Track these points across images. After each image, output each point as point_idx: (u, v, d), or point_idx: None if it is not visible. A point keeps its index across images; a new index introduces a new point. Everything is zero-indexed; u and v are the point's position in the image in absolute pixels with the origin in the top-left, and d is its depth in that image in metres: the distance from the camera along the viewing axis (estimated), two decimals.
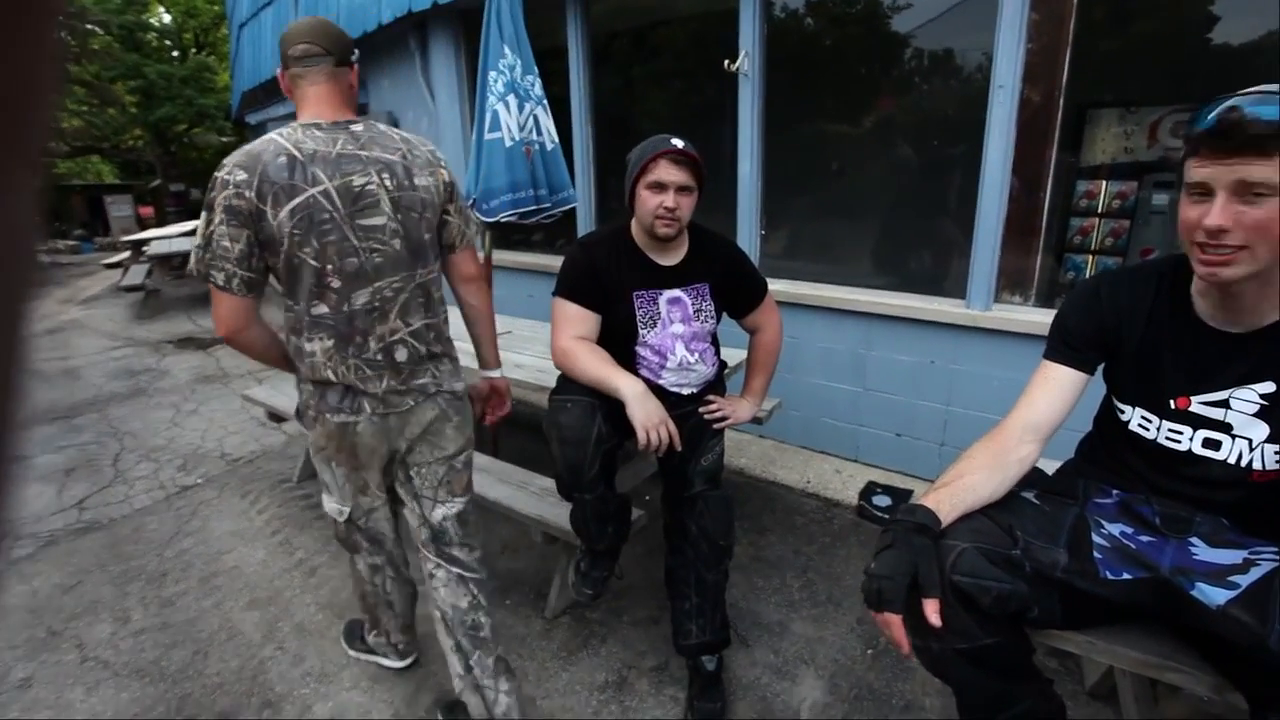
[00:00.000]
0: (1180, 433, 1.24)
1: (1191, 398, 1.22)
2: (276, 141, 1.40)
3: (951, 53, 2.82)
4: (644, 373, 1.87)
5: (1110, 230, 2.57)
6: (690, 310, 1.89)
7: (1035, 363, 1.38)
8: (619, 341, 1.86)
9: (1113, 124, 2.53)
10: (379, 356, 1.52)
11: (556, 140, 2.89)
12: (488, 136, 2.69)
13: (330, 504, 1.72)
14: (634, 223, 1.87)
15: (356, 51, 1.56)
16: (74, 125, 16.65)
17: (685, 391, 1.92)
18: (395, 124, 5.03)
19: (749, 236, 3.33)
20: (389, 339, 1.52)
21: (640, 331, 1.86)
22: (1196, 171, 1.05)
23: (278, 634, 2.21)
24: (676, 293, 1.89)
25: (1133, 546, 1.25)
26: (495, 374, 1.89)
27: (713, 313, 1.94)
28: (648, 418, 1.62)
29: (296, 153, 1.40)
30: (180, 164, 18.18)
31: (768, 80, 3.17)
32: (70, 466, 3.53)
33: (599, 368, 1.72)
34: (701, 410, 1.93)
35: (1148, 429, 1.28)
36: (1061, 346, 1.34)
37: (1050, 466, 1.48)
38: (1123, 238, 2.55)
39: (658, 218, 1.76)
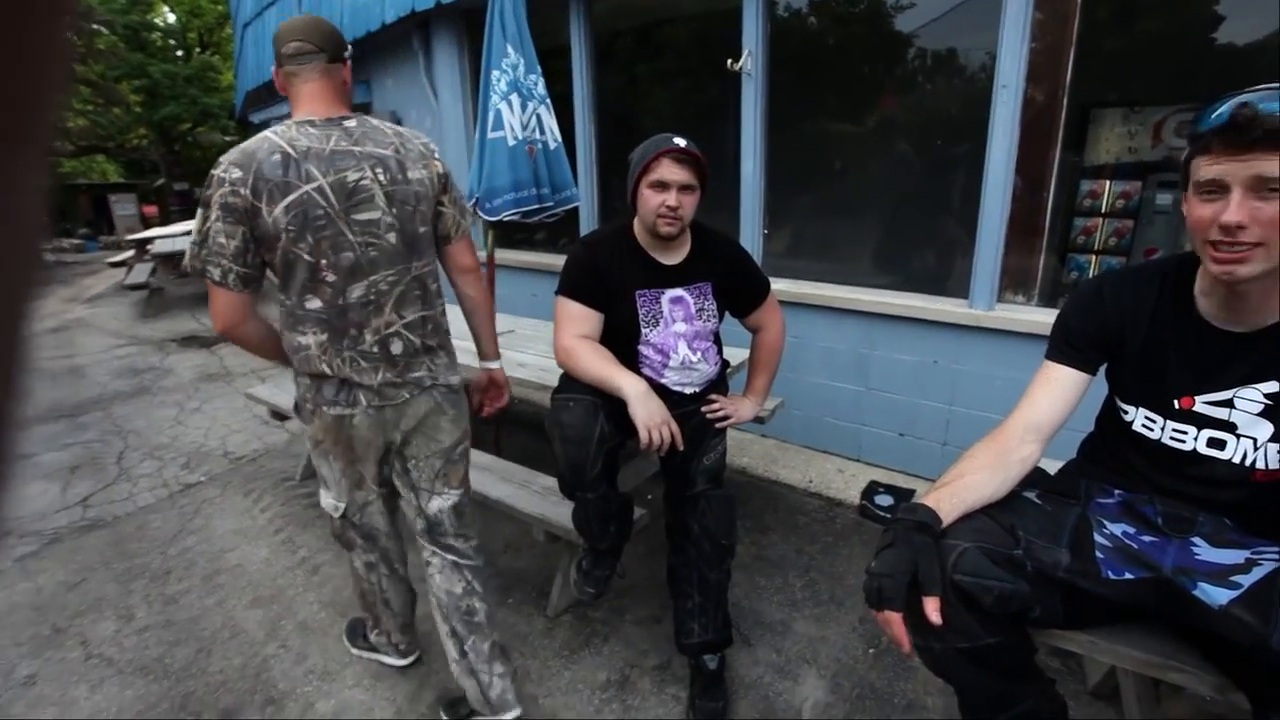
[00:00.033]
0: (1185, 432, 1.24)
1: (1195, 398, 1.22)
2: (271, 139, 1.42)
3: (955, 52, 2.82)
4: (646, 372, 1.87)
5: (1114, 230, 2.57)
6: (693, 309, 1.89)
7: (1038, 363, 1.38)
8: (622, 340, 1.86)
9: (1117, 124, 2.52)
10: (374, 349, 1.53)
11: (559, 139, 2.89)
12: (491, 135, 2.70)
13: (327, 500, 1.73)
14: (636, 222, 1.87)
15: (350, 48, 1.57)
16: (79, 124, 16.71)
17: (688, 390, 1.92)
18: (399, 123, 5.04)
19: (752, 235, 3.33)
20: (384, 331, 1.54)
21: (643, 330, 1.86)
22: (1209, 169, 1.05)
23: (280, 632, 2.22)
24: (679, 292, 1.89)
25: (1135, 546, 1.25)
26: (494, 365, 1.90)
27: (715, 312, 1.94)
28: (650, 417, 1.62)
29: (290, 150, 1.41)
30: (184, 163, 18.24)
31: (771, 79, 3.17)
32: (75, 464, 3.54)
33: (601, 367, 1.73)
34: (704, 409, 1.93)
35: (1151, 429, 1.28)
36: (1064, 346, 1.34)
37: (1052, 467, 1.48)
38: (1126, 237, 2.55)
39: (660, 216, 1.76)
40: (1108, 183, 2.56)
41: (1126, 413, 1.32)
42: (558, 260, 3.60)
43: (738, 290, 1.99)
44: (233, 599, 2.39)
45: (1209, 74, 2.35)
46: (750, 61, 3.12)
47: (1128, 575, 1.22)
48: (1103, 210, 2.58)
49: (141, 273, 7.78)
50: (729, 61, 3.14)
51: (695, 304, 1.90)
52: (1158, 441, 1.27)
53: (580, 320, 1.83)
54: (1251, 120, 0.99)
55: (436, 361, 1.65)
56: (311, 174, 1.42)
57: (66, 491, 3.24)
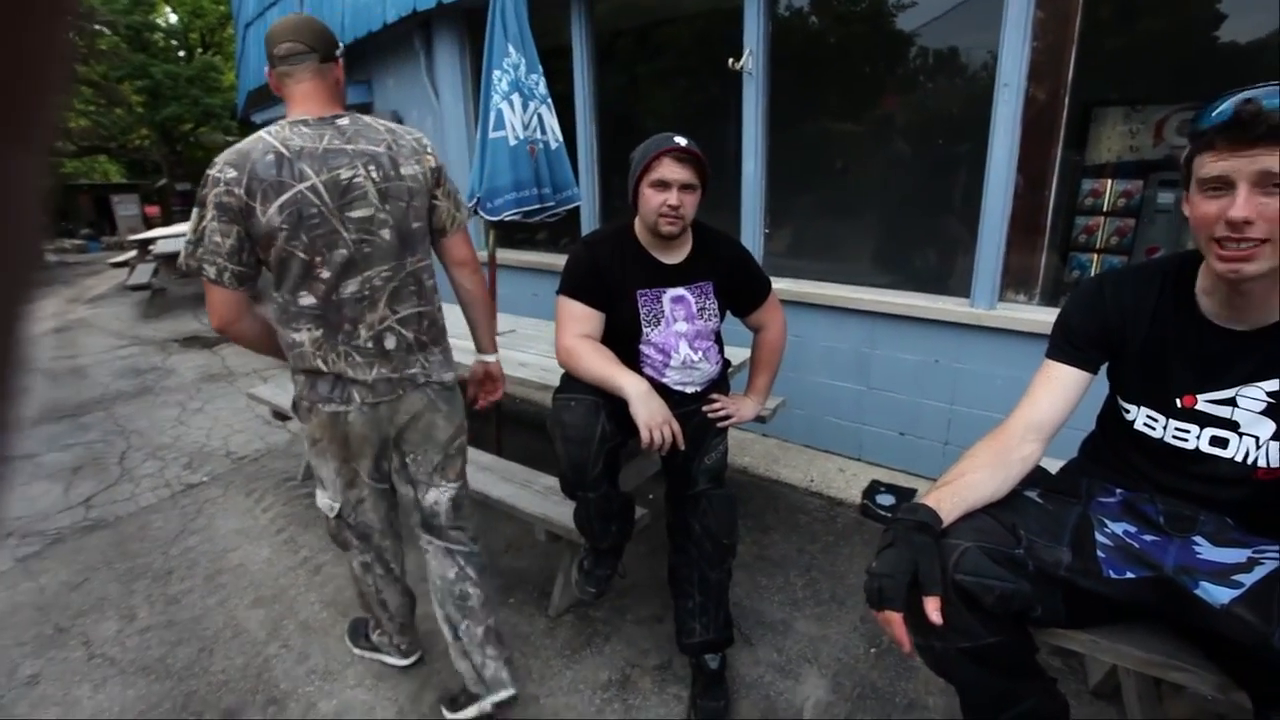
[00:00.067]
0: (1187, 431, 1.23)
1: (1198, 396, 1.21)
2: (265, 139, 1.44)
3: (956, 51, 2.81)
4: (648, 371, 1.87)
5: (1115, 229, 2.56)
6: (694, 308, 1.90)
7: (1039, 362, 1.37)
8: (623, 340, 1.86)
9: (1118, 122, 2.52)
10: (369, 344, 1.55)
11: (560, 139, 2.89)
12: (492, 135, 2.70)
13: (323, 500, 1.75)
14: (638, 221, 1.87)
15: (341, 46, 1.58)
16: (81, 125, 16.74)
17: (689, 390, 1.92)
18: (400, 123, 5.04)
19: (753, 235, 3.32)
20: (378, 327, 1.55)
21: (644, 330, 1.86)
22: (1213, 165, 1.05)
23: (282, 632, 2.22)
24: (680, 291, 1.89)
25: (1136, 545, 1.24)
26: (490, 358, 1.91)
27: (716, 311, 1.94)
28: (651, 416, 1.62)
29: (284, 150, 1.43)
30: (186, 163, 18.27)
31: (772, 79, 3.16)
32: (77, 465, 3.55)
33: (603, 366, 1.73)
34: (705, 409, 1.93)
35: (1154, 428, 1.27)
36: (1065, 345, 1.33)
37: (1054, 466, 1.48)
38: (1128, 236, 2.54)
39: (661, 216, 1.76)
40: (1109, 181, 2.55)
41: (1128, 411, 1.32)
42: (559, 260, 3.60)
43: (739, 289, 1.99)
44: (235, 599, 2.40)
45: (1211, 73, 2.34)
46: (751, 61, 3.12)
47: (1129, 574, 1.22)
48: (1104, 209, 2.57)
49: (144, 273, 7.80)
50: (730, 61, 3.14)
51: (697, 303, 1.90)
52: (1160, 440, 1.27)
53: (582, 320, 1.83)
54: (1256, 116, 0.99)
55: (430, 359, 1.66)
56: (305, 173, 1.43)
57: (69, 492, 3.25)
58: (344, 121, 1.52)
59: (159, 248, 7.88)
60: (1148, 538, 1.25)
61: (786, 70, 3.16)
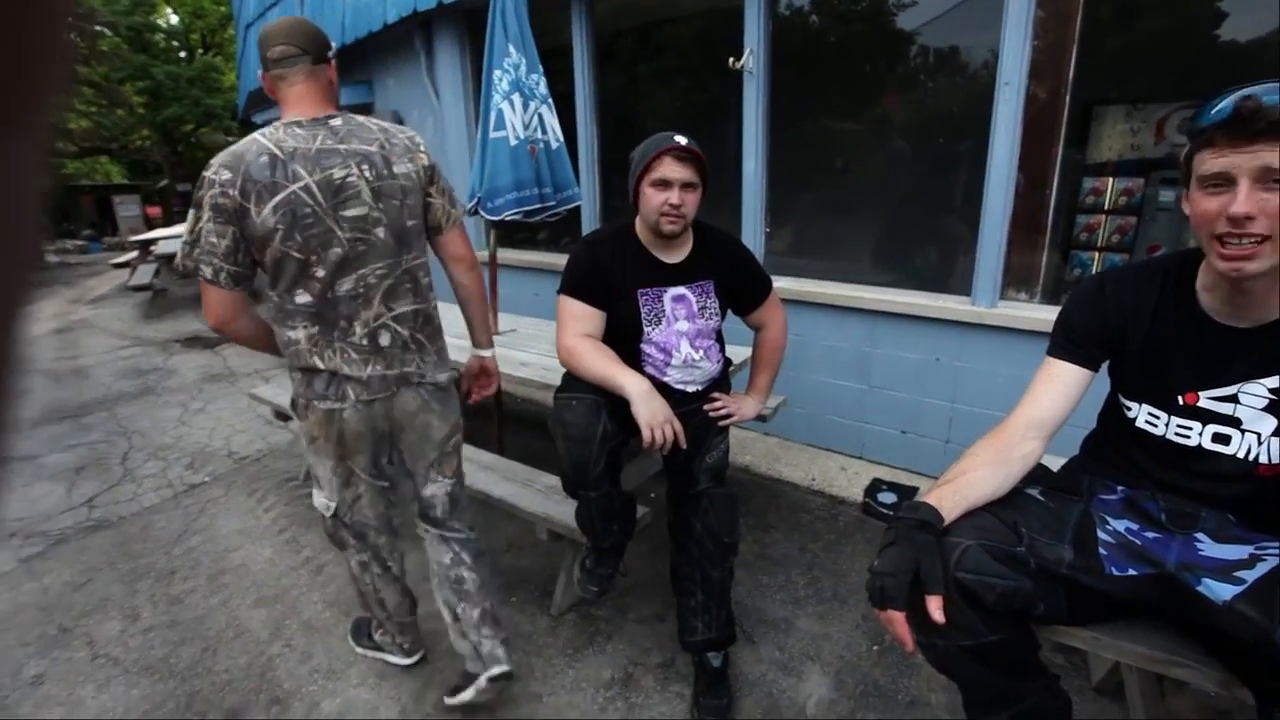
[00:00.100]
0: (1189, 428, 1.24)
1: (1200, 393, 1.21)
2: (260, 141, 1.46)
3: (957, 50, 2.81)
4: (649, 370, 1.88)
5: (1117, 227, 2.56)
6: (695, 307, 1.90)
7: (1040, 360, 1.37)
8: (624, 339, 1.86)
9: (1119, 121, 2.52)
10: (364, 341, 1.57)
11: (561, 139, 2.89)
12: (493, 135, 2.70)
13: (319, 499, 1.77)
14: (638, 220, 1.87)
15: (334, 47, 1.60)
16: (82, 126, 16.76)
17: (690, 389, 1.93)
18: (400, 123, 5.04)
19: (754, 234, 3.32)
20: (373, 324, 1.57)
21: (645, 329, 1.86)
22: (1214, 162, 1.05)
23: (285, 631, 2.23)
24: (681, 290, 1.89)
25: (1138, 543, 1.25)
26: (486, 353, 1.93)
27: (717, 310, 1.94)
28: (652, 415, 1.62)
29: (277, 151, 1.45)
30: (187, 164, 18.28)
31: (772, 78, 3.16)
32: (80, 465, 3.55)
33: (604, 365, 1.73)
34: (706, 408, 1.93)
35: (1155, 425, 1.27)
36: (1065, 343, 1.34)
37: (1055, 463, 1.48)
38: (1129, 234, 2.54)
39: (663, 215, 1.76)
40: (1110, 180, 2.55)
41: (1129, 409, 1.32)
42: (560, 259, 3.60)
43: (740, 288, 2.00)
44: (237, 599, 2.40)
45: (1211, 71, 2.34)
46: (752, 60, 3.12)
47: (1131, 571, 1.22)
48: (1105, 207, 2.57)
49: (145, 274, 7.82)
50: (730, 60, 3.14)
51: (697, 302, 1.90)
52: (1161, 438, 1.27)
53: (583, 319, 1.83)
54: (1255, 112, 0.99)
55: (426, 358, 1.68)
56: (298, 174, 1.45)
57: (72, 492, 3.25)
58: (337, 122, 1.54)
59: (160, 248, 7.90)
60: (1149, 535, 1.26)
61: (787, 69, 3.16)
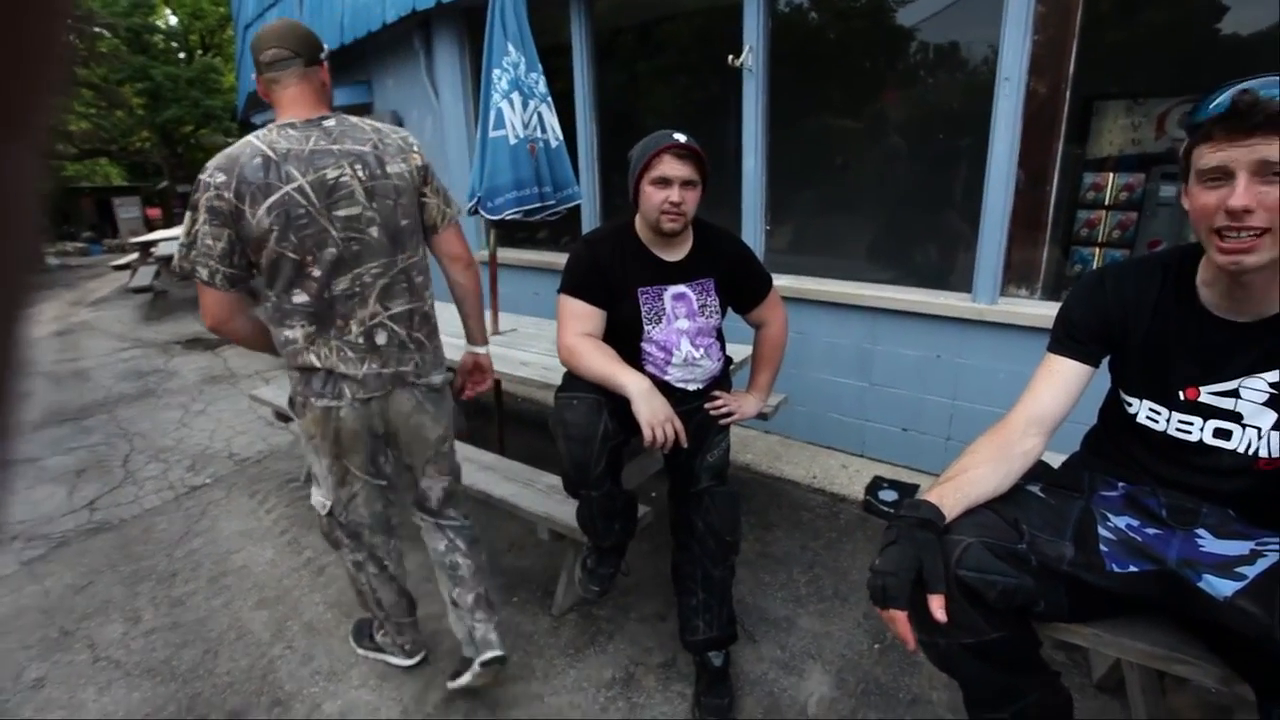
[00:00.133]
0: (1190, 424, 1.23)
1: (1200, 388, 1.21)
2: (254, 143, 1.47)
3: (957, 45, 2.81)
4: (650, 369, 1.87)
5: (1118, 222, 2.56)
6: (695, 306, 1.89)
7: (1041, 356, 1.37)
8: (624, 338, 1.86)
9: (1120, 116, 2.51)
10: (360, 340, 1.58)
11: (561, 137, 2.89)
12: (492, 134, 2.69)
13: (316, 497, 1.79)
14: (638, 219, 1.87)
15: (326, 49, 1.61)
16: (82, 128, 16.76)
17: (691, 387, 1.92)
18: (400, 123, 5.04)
19: (754, 232, 3.32)
20: (369, 323, 1.59)
21: (645, 328, 1.86)
22: (1212, 155, 1.05)
23: (287, 633, 2.23)
24: (681, 288, 1.89)
25: (1139, 539, 1.24)
26: (481, 350, 1.95)
27: (718, 308, 1.94)
28: (653, 414, 1.62)
29: (271, 153, 1.46)
30: (187, 165, 18.30)
31: (772, 75, 3.16)
32: (81, 468, 3.55)
33: (604, 364, 1.73)
34: (707, 406, 1.93)
35: (1156, 421, 1.27)
36: (1066, 339, 1.33)
37: (1056, 460, 1.48)
38: (1130, 230, 2.54)
39: (663, 213, 1.76)
40: (1111, 175, 2.54)
41: (1130, 405, 1.32)
42: (560, 258, 3.60)
43: (740, 286, 1.99)
44: (239, 600, 2.40)
45: (1212, 66, 2.33)
46: (751, 57, 3.11)
47: (1132, 568, 1.22)
48: (1106, 203, 2.57)
49: (145, 276, 7.82)
50: (730, 58, 3.14)
51: (698, 300, 1.90)
52: (1162, 433, 1.27)
53: (583, 318, 1.83)
54: (1253, 105, 0.99)
55: (424, 358, 1.70)
56: (291, 175, 1.46)
57: (73, 495, 3.25)
58: (330, 123, 1.55)
59: (161, 250, 7.91)
60: (1150, 531, 1.25)
61: (786, 67, 3.15)
